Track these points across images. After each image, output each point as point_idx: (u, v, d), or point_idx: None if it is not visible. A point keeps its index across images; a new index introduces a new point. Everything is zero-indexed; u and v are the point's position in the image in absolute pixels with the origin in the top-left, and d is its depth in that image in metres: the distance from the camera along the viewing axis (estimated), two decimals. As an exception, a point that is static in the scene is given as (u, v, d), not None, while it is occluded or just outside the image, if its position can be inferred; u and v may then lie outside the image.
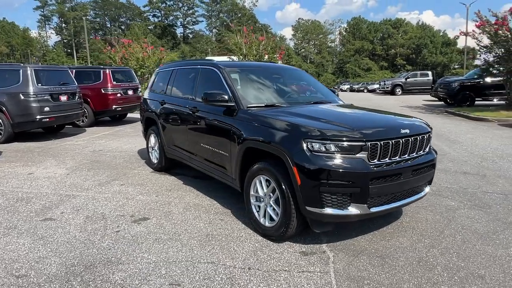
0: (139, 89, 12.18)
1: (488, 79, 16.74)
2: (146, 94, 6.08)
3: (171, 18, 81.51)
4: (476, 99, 16.93)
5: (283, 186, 2.94)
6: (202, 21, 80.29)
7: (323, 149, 2.78)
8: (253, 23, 70.16)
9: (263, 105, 3.75)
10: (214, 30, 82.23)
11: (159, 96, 5.44)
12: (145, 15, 79.27)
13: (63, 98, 8.67)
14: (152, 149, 5.76)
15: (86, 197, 4.38)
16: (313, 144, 2.80)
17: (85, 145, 7.86)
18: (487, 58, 15.97)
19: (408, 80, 29.48)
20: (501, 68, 15.21)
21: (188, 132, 4.52)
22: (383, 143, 2.84)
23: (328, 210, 2.78)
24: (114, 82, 10.80)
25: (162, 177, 5.28)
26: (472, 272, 2.69)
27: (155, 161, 5.67)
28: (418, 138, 3.11)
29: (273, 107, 3.71)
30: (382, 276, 2.63)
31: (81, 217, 3.74)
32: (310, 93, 4.53)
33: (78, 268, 2.73)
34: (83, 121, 10.58)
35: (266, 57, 16.52)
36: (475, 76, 17.72)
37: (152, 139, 5.72)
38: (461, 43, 64.88)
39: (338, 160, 2.75)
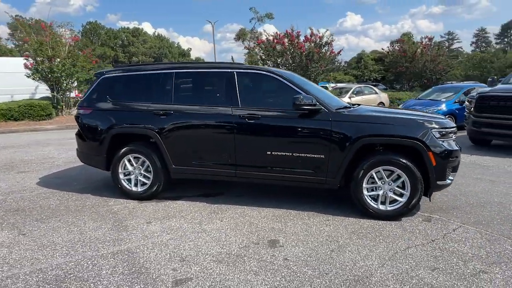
0: None
1: None
2: (100, 106, 4.61)
3: None
4: None
5: (414, 170, 3.60)
6: None
7: (442, 135, 3.69)
8: None
9: (343, 106, 4.12)
10: None
11: (147, 105, 4.35)
12: None
13: None
14: (129, 175, 4.48)
15: (145, 248, 3.15)
16: (436, 133, 3.65)
17: None
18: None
19: None
20: None
21: (237, 143, 4.05)
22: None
23: (448, 181, 3.73)
24: None
25: (170, 204, 4.32)
26: None
27: (139, 189, 4.45)
28: None
29: (350, 108, 4.16)
30: (489, 218, 3.79)
31: (212, 264, 2.84)
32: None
33: (350, 297, 2.39)
34: None
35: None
36: None
37: (131, 163, 4.46)
38: (193, 55, 74.53)
39: (451, 142, 3.76)
